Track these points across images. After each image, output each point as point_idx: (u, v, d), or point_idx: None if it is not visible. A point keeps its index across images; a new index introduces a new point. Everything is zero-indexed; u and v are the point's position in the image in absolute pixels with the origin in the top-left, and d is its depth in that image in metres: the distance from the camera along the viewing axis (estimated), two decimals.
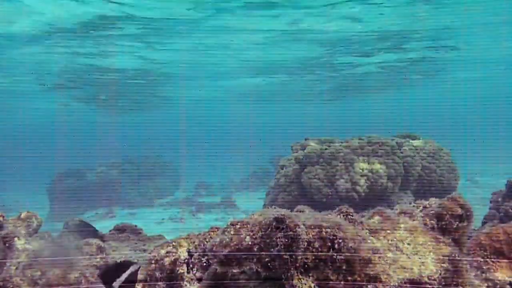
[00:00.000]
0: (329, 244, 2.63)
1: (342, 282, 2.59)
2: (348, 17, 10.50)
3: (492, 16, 10.49)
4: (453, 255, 2.84)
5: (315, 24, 11.00)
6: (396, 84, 21.05)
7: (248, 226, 2.67)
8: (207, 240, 3.19)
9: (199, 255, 3.16)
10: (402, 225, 3.01)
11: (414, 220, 3.10)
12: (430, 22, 10.84)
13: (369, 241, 2.78)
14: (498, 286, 2.85)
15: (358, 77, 18.65)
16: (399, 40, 12.86)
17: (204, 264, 3.10)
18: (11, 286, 3.88)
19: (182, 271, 3.15)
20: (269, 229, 2.59)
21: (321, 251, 2.61)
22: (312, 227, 2.68)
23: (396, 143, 8.73)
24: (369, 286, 2.61)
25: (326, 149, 8.52)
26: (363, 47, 13.56)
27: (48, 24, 10.39)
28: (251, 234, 2.61)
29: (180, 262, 3.17)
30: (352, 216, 3.01)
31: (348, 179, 8.05)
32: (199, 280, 3.07)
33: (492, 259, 2.93)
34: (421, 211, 3.21)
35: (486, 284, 2.87)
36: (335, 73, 18.01)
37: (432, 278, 2.72)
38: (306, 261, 2.60)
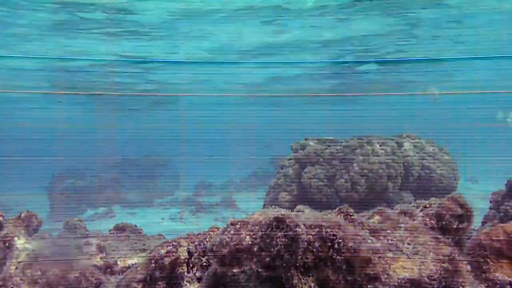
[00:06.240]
0: (329, 244, 2.63)
1: (342, 282, 2.59)
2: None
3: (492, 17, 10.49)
4: (453, 255, 2.84)
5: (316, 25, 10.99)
6: (396, 85, 21.05)
7: (248, 225, 2.67)
8: (207, 240, 3.19)
9: (199, 254, 3.16)
10: (402, 225, 3.01)
11: (414, 220, 3.10)
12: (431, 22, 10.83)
13: (369, 241, 2.78)
14: (498, 286, 2.85)
15: (359, 77, 18.63)
16: (400, 40, 12.86)
17: (204, 264, 3.10)
18: (11, 286, 3.88)
19: (182, 270, 3.15)
20: (269, 229, 2.59)
21: (321, 251, 2.61)
22: (312, 227, 2.68)
23: (396, 143, 8.74)
24: (369, 286, 2.61)
25: (326, 149, 8.52)
26: (364, 47, 13.56)
27: (45, 21, 10.40)
28: (251, 234, 2.61)
29: (180, 262, 3.17)
30: (352, 216, 3.01)
31: (348, 179, 8.06)
32: (199, 280, 3.07)
33: (492, 259, 2.93)
34: (421, 211, 3.21)
35: (486, 284, 2.86)
36: (336, 73, 18.00)
37: (432, 278, 2.72)
38: (306, 261, 2.60)
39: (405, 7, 9.66)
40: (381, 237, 2.91)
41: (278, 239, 2.55)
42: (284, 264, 2.55)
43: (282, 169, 8.94)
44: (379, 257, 2.70)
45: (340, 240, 2.62)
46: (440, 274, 2.75)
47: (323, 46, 13.26)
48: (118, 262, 4.49)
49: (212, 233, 3.28)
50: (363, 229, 2.93)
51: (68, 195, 15.82)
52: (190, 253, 3.23)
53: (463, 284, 2.77)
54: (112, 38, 12.10)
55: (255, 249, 2.56)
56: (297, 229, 2.57)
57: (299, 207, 3.42)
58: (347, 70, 17.40)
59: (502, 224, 3.20)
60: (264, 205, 9.02)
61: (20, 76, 16.67)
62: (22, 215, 4.80)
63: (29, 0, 8.90)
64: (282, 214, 2.63)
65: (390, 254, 2.77)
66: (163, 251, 3.22)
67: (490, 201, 6.55)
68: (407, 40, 12.73)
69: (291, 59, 15.19)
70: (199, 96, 23.50)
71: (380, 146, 8.38)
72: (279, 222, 2.59)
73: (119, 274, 4.25)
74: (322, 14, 9.95)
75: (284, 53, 14.15)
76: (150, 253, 3.30)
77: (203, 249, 3.13)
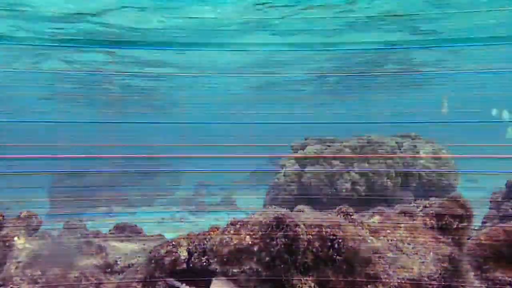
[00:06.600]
0: (329, 244, 2.63)
1: (342, 282, 2.59)
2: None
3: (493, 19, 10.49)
4: (453, 255, 2.84)
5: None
6: (396, 84, 21.04)
7: (248, 225, 2.67)
8: (207, 239, 3.18)
9: (199, 254, 3.16)
10: (402, 225, 3.01)
11: (414, 220, 3.10)
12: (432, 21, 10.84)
13: (369, 241, 2.78)
14: (498, 286, 2.85)
15: (359, 77, 18.62)
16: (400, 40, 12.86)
17: (204, 263, 3.09)
18: (11, 286, 3.89)
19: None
20: (269, 229, 2.59)
21: (321, 251, 2.61)
22: (312, 226, 2.67)
23: (396, 143, 8.74)
24: (369, 286, 2.61)
25: (326, 149, 8.52)
26: (365, 46, 13.56)
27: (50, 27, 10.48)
28: (251, 233, 2.61)
29: (180, 262, 3.16)
30: (352, 216, 3.01)
31: (348, 179, 8.06)
32: None
33: (492, 259, 2.93)
34: (421, 211, 3.21)
35: (486, 284, 2.86)
36: (335, 72, 17.99)
37: (432, 278, 2.72)
38: (306, 260, 2.60)
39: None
40: (381, 237, 2.91)
41: (278, 239, 2.54)
42: (284, 264, 2.55)
43: (282, 169, 8.94)
44: (379, 257, 2.70)
45: (340, 240, 2.62)
46: (440, 274, 2.74)
47: (325, 50, 13.30)
48: (118, 262, 4.49)
49: (212, 233, 3.27)
50: (363, 229, 2.92)
51: (68, 195, 15.79)
52: (190, 253, 3.23)
53: (463, 284, 2.77)
54: (117, 45, 12.22)
55: (255, 249, 2.56)
56: (297, 229, 2.57)
57: (299, 207, 3.42)
58: (348, 72, 17.40)
59: (502, 224, 3.19)
60: (264, 205, 9.02)
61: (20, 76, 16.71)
62: (22, 215, 4.80)
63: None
64: (282, 214, 2.62)
65: (390, 254, 2.77)
66: (163, 251, 3.22)
67: (490, 201, 6.55)
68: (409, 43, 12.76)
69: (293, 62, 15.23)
70: (199, 96, 23.51)
71: (380, 146, 8.38)
72: (279, 222, 2.59)
73: (119, 274, 4.25)
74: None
75: (286, 56, 14.18)
76: (150, 253, 3.30)
77: (203, 249, 3.13)
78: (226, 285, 2.63)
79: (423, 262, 2.76)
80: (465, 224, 3.04)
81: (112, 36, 11.07)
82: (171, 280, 2.64)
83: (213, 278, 2.63)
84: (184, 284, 2.58)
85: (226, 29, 10.44)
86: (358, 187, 7.94)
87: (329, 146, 8.62)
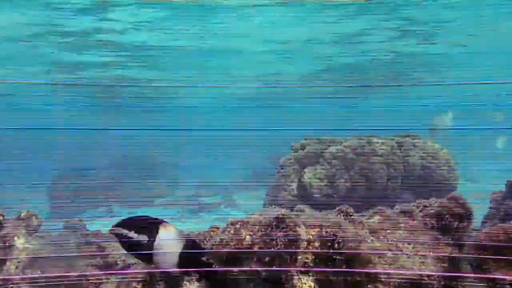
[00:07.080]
0: (329, 244, 2.63)
1: (342, 282, 2.59)
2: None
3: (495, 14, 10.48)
4: (453, 255, 2.84)
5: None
6: (396, 83, 21.04)
7: (248, 225, 2.67)
8: (207, 239, 3.18)
9: None
10: (402, 225, 3.01)
11: (414, 220, 3.10)
12: (431, 18, 10.83)
13: (369, 241, 2.78)
14: (498, 286, 2.85)
15: (359, 76, 18.65)
16: (400, 39, 12.87)
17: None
18: (11, 286, 3.89)
19: None
20: (269, 229, 2.59)
21: (321, 251, 2.61)
22: (312, 226, 2.67)
23: (396, 143, 8.74)
24: (369, 286, 2.61)
25: (326, 149, 8.52)
26: (364, 45, 13.57)
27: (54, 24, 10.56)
28: (251, 233, 2.61)
29: None
30: (352, 216, 3.01)
31: (348, 179, 8.06)
32: (199, 279, 3.07)
33: (492, 259, 2.93)
34: (421, 210, 3.21)
35: (486, 284, 2.86)
36: (336, 72, 18.02)
37: (432, 278, 2.72)
38: (306, 261, 2.60)
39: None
40: (381, 237, 2.91)
41: (278, 239, 2.55)
42: (284, 264, 2.55)
43: (282, 169, 8.94)
44: (379, 257, 2.70)
45: (340, 240, 2.62)
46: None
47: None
48: (118, 262, 4.49)
49: (212, 233, 3.27)
50: (363, 229, 2.92)
51: (68, 195, 15.80)
52: None
53: (463, 284, 2.77)
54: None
55: (255, 248, 2.56)
56: (297, 229, 2.57)
57: (299, 207, 3.42)
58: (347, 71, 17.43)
59: (502, 224, 3.19)
60: (264, 205, 9.02)
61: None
62: (22, 215, 4.80)
63: None
64: (282, 214, 2.63)
65: (390, 254, 2.77)
66: None
67: (490, 201, 6.55)
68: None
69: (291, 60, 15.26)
70: (199, 95, 23.51)
71: (380, 146, 8.38)
72: (279, 221, 2.59)
73: (119, 274, 4.24)
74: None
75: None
76: None
77: (203, 249, 3.13)
78: (170, 230, 2.62)
79: (423, 262, 2.76)
80: (465, 224, 3.04)
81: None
82: (119, 229, 2.60)
83: (160, 225, 2.62)
84: (133, 232, 2.52)
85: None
86: (358, 187, 7.94)
87: (329, 146, 8.62)
